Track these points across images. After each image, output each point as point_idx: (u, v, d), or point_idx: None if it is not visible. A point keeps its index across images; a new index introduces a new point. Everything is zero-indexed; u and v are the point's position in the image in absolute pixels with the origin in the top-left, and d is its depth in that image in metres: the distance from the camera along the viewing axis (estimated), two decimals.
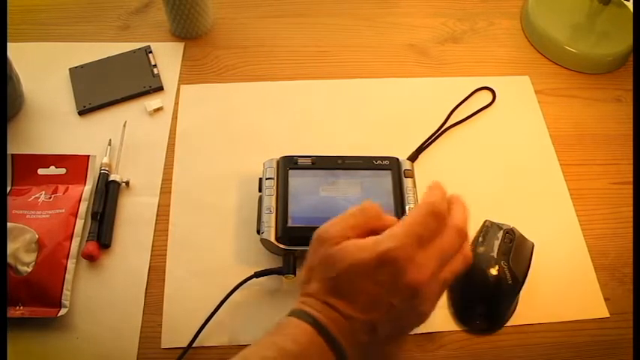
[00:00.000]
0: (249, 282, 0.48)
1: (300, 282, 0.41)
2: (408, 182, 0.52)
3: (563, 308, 0.51)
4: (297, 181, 0.51)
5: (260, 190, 0.52)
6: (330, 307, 0.38)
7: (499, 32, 0.71)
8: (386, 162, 0.52)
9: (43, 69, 0.63)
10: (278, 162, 0.52)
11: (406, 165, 0.53)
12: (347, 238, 0.40)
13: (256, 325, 0.47)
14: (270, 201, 0.50)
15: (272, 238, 0.48)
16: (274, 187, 0.51)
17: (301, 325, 0.38)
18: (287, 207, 0.49)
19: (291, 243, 0.48)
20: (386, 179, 0.51)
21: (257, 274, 0.48)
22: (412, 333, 0.48)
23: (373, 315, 0.39)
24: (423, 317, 0.41)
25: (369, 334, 0.39)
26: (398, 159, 0.53)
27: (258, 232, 0.49)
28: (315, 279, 0.40)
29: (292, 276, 0.48)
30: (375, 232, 0.40)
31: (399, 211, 0.50)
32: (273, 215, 0.49)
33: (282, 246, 0.48)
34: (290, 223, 0.49)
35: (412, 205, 0.50)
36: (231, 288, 0.48)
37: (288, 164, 0.52)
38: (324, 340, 0.37)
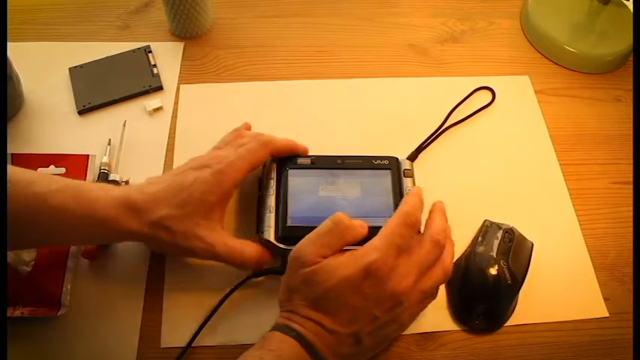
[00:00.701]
0: (248, 281, 0.48)
1: (280, 300, 0.42)
2: (407, 182, 0.52)
3: (562, 308, 0.51)
4: (297, 180, 0.51)
5: (260, 189, 0.52)
6: (314, 323, 0.39)
7: (499, 32, 0.71)
8: (385, 162, 0.52)
9: (43, 69, 0.63)
10: (277, 161, 0.52)
11: (406, 165, 0.53)
12: (324, 256, 0.41)
13: (255, 325, 0.47)
14: (269, 201, 0.50)
15: (272, 238, 0.48)
16: (274, 187, 0.51)
17: (286, 340, 0.39)
18: (287, 207, 0.49)
19: (291, 243, 0.48)
20: (385, 179, 0.51)
21: (256, 274, 0.49)
22: (412, 333, 0.48)
23: (357, 327, 0.40)
24: (403, 327, 0.43)
25: (353, 345, 0.40)
26: (397, 158, 0.53)
27: (258, 231, 0.49)
28: (296, 298, 0.41)
29: None
30: (350, 243, 0.42)
31: None
32: (273, 215, 0.49)
33: (281, 245, 0.48)
34: (289, 223, 0.48)
35: None
36: (231, 288, 0.48)
37: (288, 164, 0.52)
38: (308, 354, 0.38)
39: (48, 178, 0.44)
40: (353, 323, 0.39)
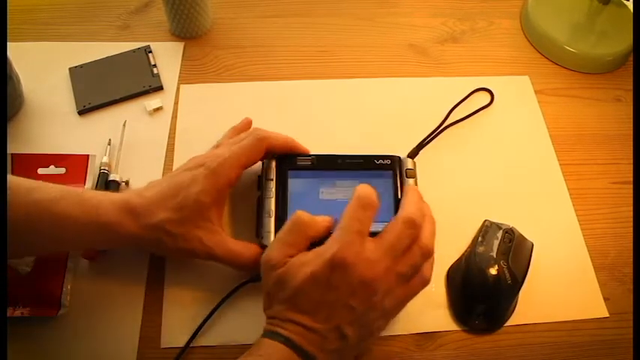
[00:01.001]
0: (248, 283, 0.48)
1: (263, 308, 0.43)
2: (409, 182, 0.51)
3: (562, 308, 0.51)
4: (297, 182, 0.50)
5: (259, 188, 0.51)
6: (295, 324, 0.39)
7: (499, 32, 0.71)
8: (387, 161, 0.52)
9: (43, 69, 0.63)
10: (277, 160, 0.52)
11: (408, 164, 0.52)
12: (290, 256, 0.41)
13: (255, 325, 0.47)
14: (269, 204, 0.49)
15: None
16: (273, 189, 0.50)
17: (274, 345, 0.39)
18: (286, 212, 0.49)
19: None
20: (387, 179, 0.51)
21: (256, 278, 0.48)
22: (412, 333, 0.48)
23: (336, 322, 0.39)
24: (389, 314, 0.42)
25: (338, 340, 0.40)
26: (400, 157, 0.52)
27: (258, 236, 0.49)
28: (274, 302, 0.41)
29: None
30: (314, 239, 0.42)
31: None
32: (273, 219, 0.49)
33: None
34: None
35: None
36: (231, 288, 0.48)
37: (287, 164, 0.51)
38: (297, 355, 0.38)
39: (47, 186, 0.43)
40: (331, 318, 0.39)
